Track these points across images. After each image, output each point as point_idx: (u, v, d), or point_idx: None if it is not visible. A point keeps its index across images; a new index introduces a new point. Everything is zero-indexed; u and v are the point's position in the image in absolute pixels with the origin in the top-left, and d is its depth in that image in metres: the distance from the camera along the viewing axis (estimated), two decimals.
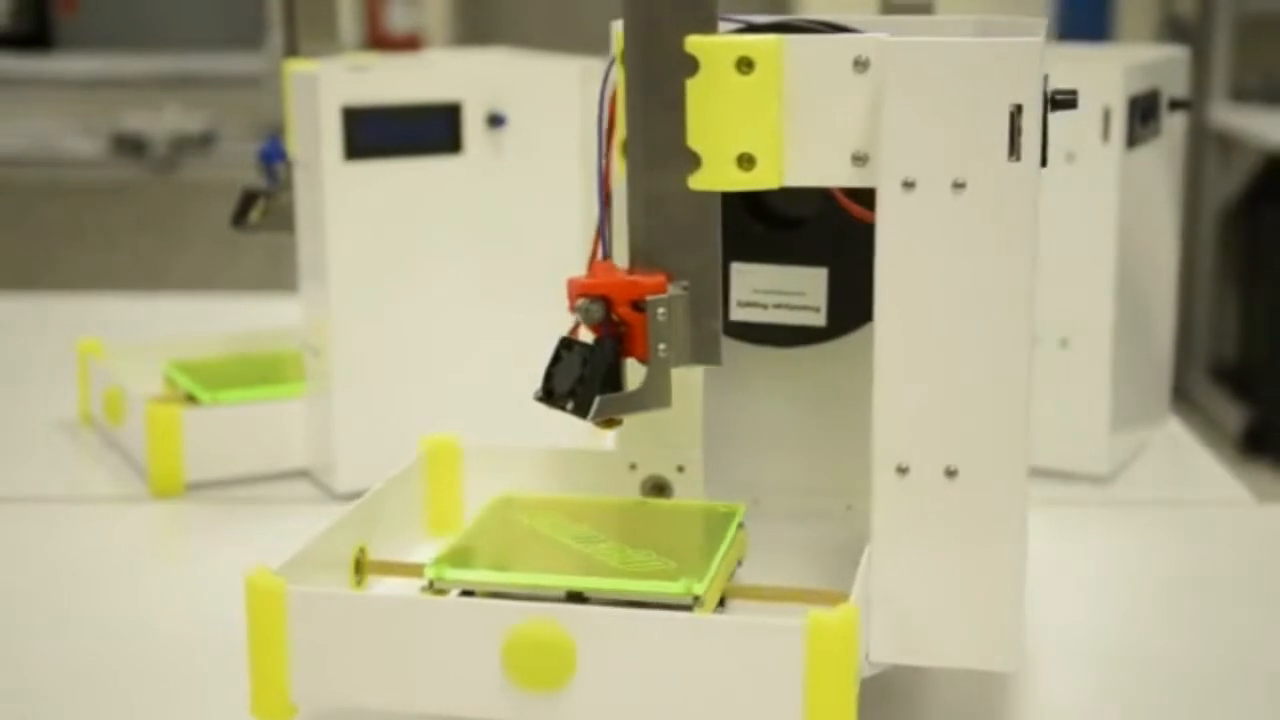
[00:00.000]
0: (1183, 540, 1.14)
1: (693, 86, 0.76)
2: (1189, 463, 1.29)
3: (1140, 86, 1.18)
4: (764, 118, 0.76)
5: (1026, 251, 0.75)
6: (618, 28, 0.87)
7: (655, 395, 0.80)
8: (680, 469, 0.93)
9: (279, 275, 1.59)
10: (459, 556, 0.83)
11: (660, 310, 0.78)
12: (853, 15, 0.88)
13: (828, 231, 0.88)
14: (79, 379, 1.35)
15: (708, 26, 0.76)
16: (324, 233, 1.16)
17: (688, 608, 0.78)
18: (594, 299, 0.79)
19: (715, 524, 0.88)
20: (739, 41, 0.75)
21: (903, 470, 0.77)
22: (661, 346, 0.79)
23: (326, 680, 0.76)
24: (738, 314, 0.91)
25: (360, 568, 0.86)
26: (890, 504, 0.78)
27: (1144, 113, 1.19)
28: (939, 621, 0.78)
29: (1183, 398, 3.67)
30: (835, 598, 0.81)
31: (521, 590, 0.80)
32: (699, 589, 0.79)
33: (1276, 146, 3.58)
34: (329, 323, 1.18)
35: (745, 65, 0.75)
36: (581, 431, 0.90)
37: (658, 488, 0.94)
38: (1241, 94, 3.87)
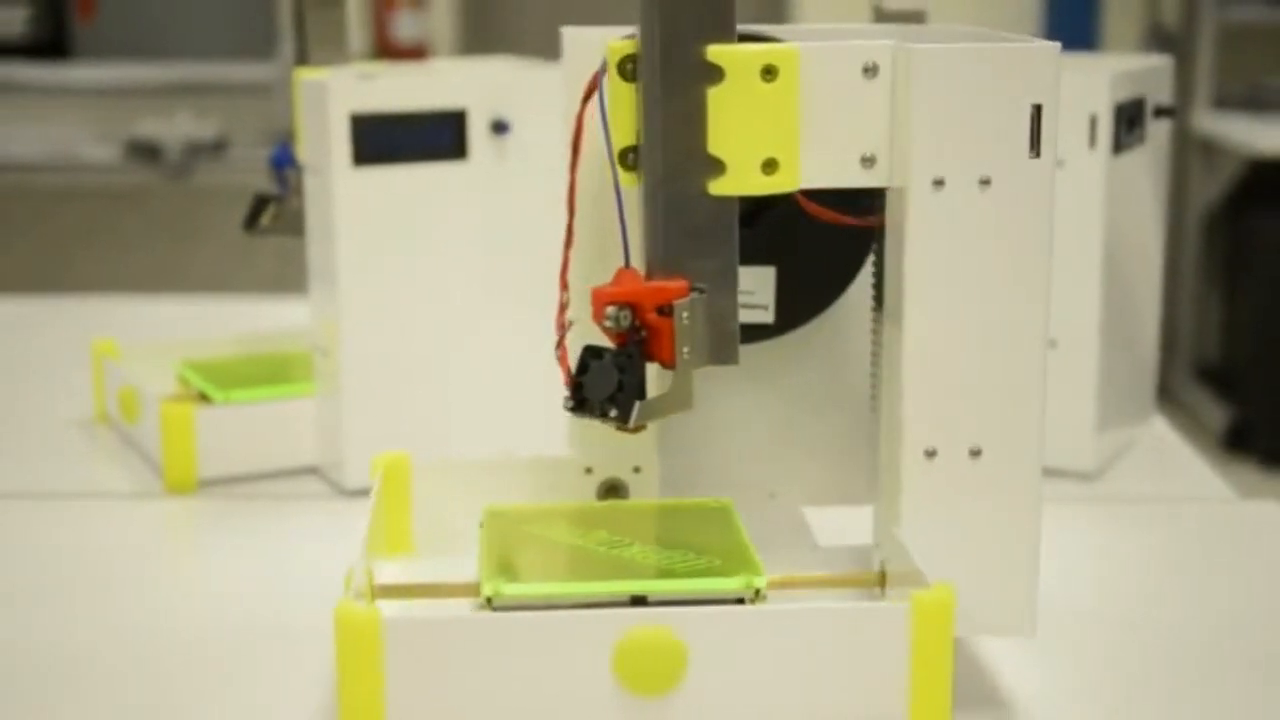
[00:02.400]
0: (1167, 535, 1.14)
1: (717, 95, 0.76)
2: (1173, 460, 1.29)
3: (1126, 94, 1.18)
4: (785, 123, 0.78)
5: (1045, 242, 0.78)
6: (568, 35, 0.87)
7: (681, 398, 0.80)
8: (636, 470, 0.92)
9: (289, 278, 1.59)
10: (505, 571, 0.80)
11: (685, 314, 0.78)
12: (801, 24, 0.89)
13: (775, 231, 0.88)
14: (94, 378, 1.35)
15: (728, 36, 0.77)
16: (333, 236, 1.16)
17: (750, 601, 0.79)
18: (622, 306, 0.78)
19: (719, 519, 0.87)
20: (763, 50, 0.77)
21: (931, 454, 0.80)
22: (685, 350, 0.79)
23: (427, 708, 0.73)
24: None
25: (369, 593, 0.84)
26: (919, 486, 0.80)
27: (1130, 120, 1.19)
28: (967, 593, 0.79)
29: (1167, 397, 3.67)
30: (857, 580, 0.84)
31: (585, 599, 0.78)
32: (760, 582, 0.79)
33: (1258, 152, 3.58)
34: (337, 324, 1.17)
35: (768, 73, 0.76)
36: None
37: (612, 489, 0.92)
38: (1224, 101, 3.87)
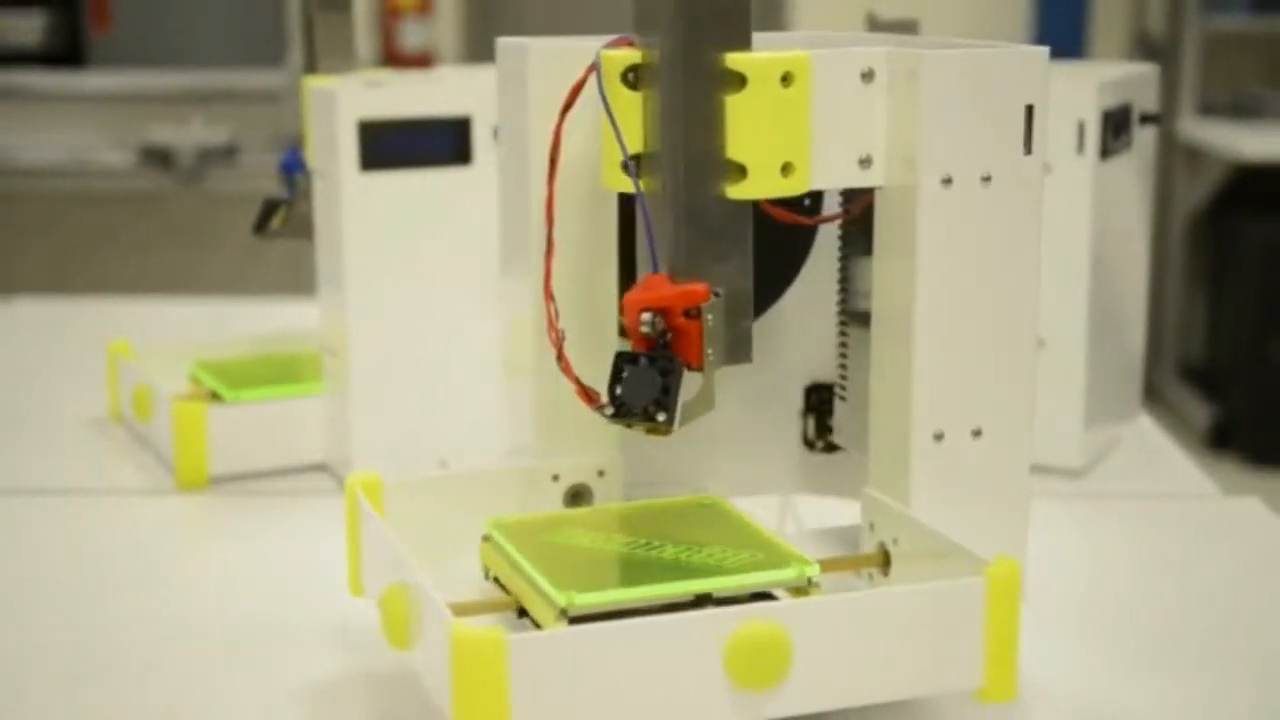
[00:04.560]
0: (1152, 530, 1.14)
1: (737, 101, 0.77)
2: (1159, 457, 1.29)
3: (1113, 101, 1.18)
4: (799, 127, 0.78)
5: (1036, 232, 0.81)
6: (534, 48, 0.86)
7: (707, 399, 0.80)
8: (601, 473, 0.91)
9: (298, 280, 1.59)
10: (568, 582, 0.77)
11: (710, 317, 0.78)
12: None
13: None
14: (109, 378, 1.35)
15: (744, 44, 0.77)
16: (341, 240, 1.16)
17: (803, 590, 0.79)
18: (656, 312, 0.78)
19: (721, 515, 0.87)
20: (781, 57, 0.77)
21: (939, 436, 0.82)
22: (710, 351, 0.79)
23: None
24: None
25: None
26: (927, 466, 0.82)
27: (1116, 126, 1.19)
28: None
29: (1153, 396, 3.66)
30: (863, 561, 0.85)
31: (653, 601, 0.77)
32: (812, 571, 0.79)
33: (1242, 158, 3.58)
34: (345, 325, 1.17)
35: (785, 80, 0.77)
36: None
37: (578, 495, 0.91)
38: (1208, 108, 3.87)
